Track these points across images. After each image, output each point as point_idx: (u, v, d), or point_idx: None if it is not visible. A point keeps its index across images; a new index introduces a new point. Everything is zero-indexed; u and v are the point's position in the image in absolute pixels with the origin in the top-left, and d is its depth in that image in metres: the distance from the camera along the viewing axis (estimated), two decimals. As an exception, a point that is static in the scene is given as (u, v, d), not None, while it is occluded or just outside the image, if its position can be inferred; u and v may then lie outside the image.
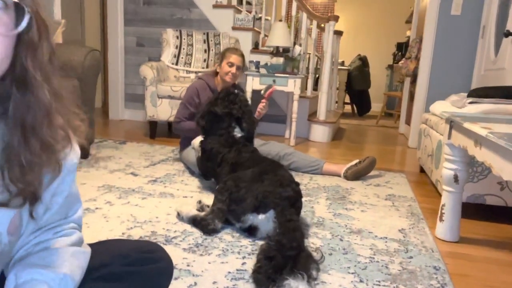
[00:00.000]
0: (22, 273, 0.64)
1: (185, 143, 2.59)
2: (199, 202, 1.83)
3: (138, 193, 2.03)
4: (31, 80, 0.55)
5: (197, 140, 2.34)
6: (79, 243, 0.74)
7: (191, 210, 1.70)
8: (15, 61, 0.54)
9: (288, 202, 1.54)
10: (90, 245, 0.83)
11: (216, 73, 2.72)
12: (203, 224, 1.61)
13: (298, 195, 1.64)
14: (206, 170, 2.13)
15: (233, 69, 2.63)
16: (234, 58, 2.64)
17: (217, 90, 2.60)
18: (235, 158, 1.95)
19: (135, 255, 0.80)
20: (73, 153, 0.67)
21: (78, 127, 0.65)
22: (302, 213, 1.75)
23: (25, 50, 0.54)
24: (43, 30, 0.55)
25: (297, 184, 1.68)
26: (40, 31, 0.55)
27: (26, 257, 0.67)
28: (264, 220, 1.53)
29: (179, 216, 1.72)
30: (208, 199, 1.78)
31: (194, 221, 1.64)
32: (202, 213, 1.67)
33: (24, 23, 0.52)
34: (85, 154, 2.64)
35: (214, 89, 2.63)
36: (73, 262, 0.69)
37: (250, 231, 1.58)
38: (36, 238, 0.69)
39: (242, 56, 2.72)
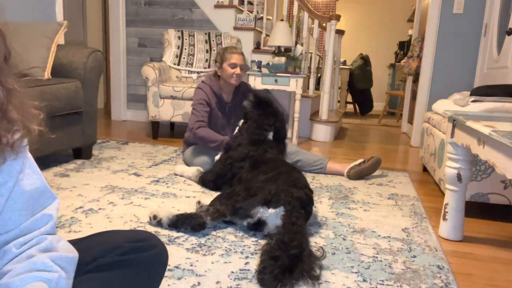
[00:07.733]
0: (14, 281, 0.62)
1: (189, 142, 2.58)
2: (198, 202, 1.83)
3: (141, 194, 2.03)
4: None
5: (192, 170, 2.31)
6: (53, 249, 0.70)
7: (171, 212, 1.60)
8: None
9: (299, 203, 1.54)
10: (83, 239, 0.83)
11: (218, 76, 2.57)
12: (194, 217, 1.54)
13: (310, 200, 1.64)
14: (220, 176, 2.11)
15: (237, 70, 2.49)
16: (235, 58, 2.49)
17: (221, 95, 2.57)
18: (260, 156, 1.96)
19: (127, 245, 0.79)
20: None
21: (37, 116, 0.70)
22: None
23: None
24: None
25: (311, 190, 1.68)
26: None
27: (8, 273, 0.65)
28: (273, 215, 1.52)
29: (154, 220, 1.61)
30: (209, 200, 1.75)
31: (180, 219, 1.55)
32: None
33: None
34: (87, 155, 2.65)
35: (218, 94, 2.54)
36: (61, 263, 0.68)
37: (256, 227, 1.57)
38: (7, 253, 0.67)
39: (242, 54, 2.58)
